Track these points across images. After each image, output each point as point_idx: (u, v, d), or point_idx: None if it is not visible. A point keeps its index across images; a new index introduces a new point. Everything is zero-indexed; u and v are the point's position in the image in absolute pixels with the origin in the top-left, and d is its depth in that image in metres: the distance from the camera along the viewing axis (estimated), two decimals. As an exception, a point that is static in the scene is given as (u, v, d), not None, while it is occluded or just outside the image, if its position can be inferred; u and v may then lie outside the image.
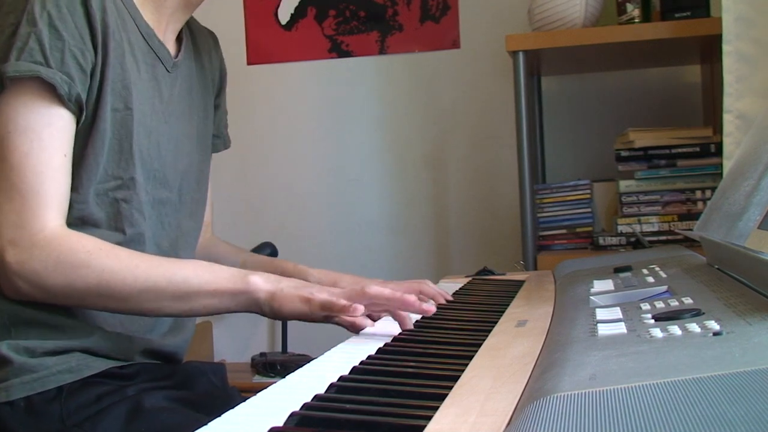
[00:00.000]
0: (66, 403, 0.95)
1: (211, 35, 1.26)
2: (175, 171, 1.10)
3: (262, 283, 0.95)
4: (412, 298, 0.93)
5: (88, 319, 1.00)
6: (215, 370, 1.15)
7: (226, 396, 1.10)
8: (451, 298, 1.15)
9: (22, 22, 0.91)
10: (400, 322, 0.94)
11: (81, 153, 0.97)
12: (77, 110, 0.94)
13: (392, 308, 0.94)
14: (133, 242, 1.02)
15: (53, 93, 0.91)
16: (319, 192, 2.62)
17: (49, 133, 0.92)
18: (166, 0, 1.07)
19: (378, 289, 0.93)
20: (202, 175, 1.20)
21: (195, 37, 1.19)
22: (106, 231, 0.99)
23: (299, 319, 0.96)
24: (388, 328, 0.96)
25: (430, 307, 0.94)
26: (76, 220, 0.97)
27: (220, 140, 1.29)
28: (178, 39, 1.14)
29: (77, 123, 0.95)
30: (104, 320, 1.01)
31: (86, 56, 0.94)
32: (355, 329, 0.95)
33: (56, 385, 0.95)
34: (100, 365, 0.99)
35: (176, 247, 1.13)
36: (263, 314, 0.96)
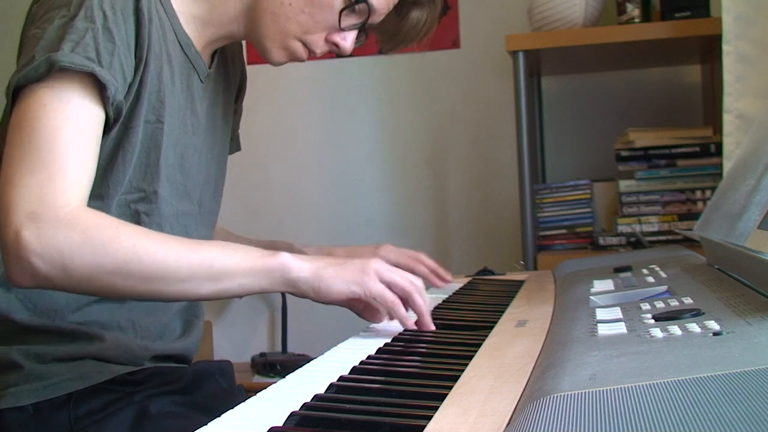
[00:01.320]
0: (74, 409, 0.94)
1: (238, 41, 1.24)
2: (195, 182, 1.09)
3: (296, 260, 0.90)
4: (432, 327, 0.94)
5: (99, 327, 0.98)
6: (222, 371, 1.14)
7: (233, 396, 1.10)
8: (447, 279, 1.21)
9: (79, 15, 0.88)
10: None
11: (110, 163, 0.94)
12: (115, 115, 0.92)
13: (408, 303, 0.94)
14: None
15: (99, 93, 0.88)
16: (319, 192, 2.62)
17: (85, 120, 0.87)
18: (213, 27, 1.05)
19: (421, 304, 0.93)
20: (219, 184, 1.18)
21: (226, 45, 1.17)
22: None
23: (339, 305, 0.94)
24: (388, 327, 0.96)
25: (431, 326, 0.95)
26: None
27: (233, 143, 1.28)
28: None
29: (109, 130, 0.93)
30: (117, 326, 1.00)
31: (129, 66, 0.92)
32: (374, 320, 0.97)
33: (65, 391, 0.94)
34: (111, 372, 0.97)
35: None
36: (301, 294, 0.91)
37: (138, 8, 0.92)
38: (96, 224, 0.84)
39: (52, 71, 0.84)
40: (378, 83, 2.56)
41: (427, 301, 0.94)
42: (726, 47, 1.66)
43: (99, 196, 0.95)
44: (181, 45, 1.02)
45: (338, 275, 0.90)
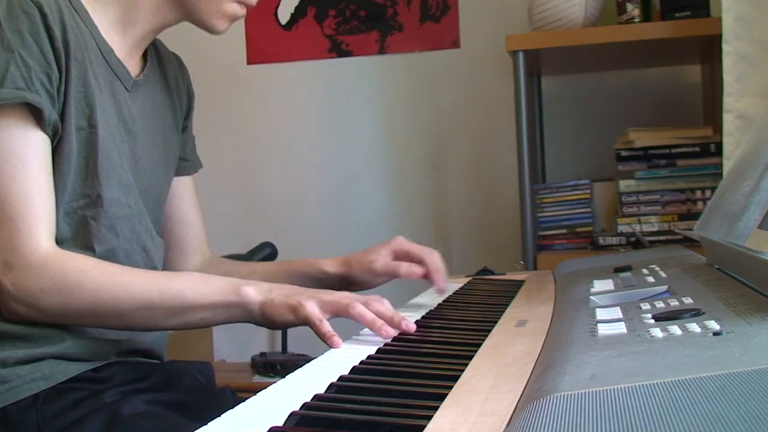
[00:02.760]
0: (42, 410, 0.93)
1: (176, 58, 1.26)
2: (134, 189, 1.08)
3: (254, 294, 0.95)
4: (390, 332, 0.90)
5: (59, 327, 0.98)
6: (201, 369, 1.13)
7: (213, 396, 1.08)
8: (443, 286, 1.15)
9: None
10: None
11: None
12: (53, 134, 0.95)
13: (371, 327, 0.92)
14: (105, 259, 1.00)
15: (34, 117, 0.92)
16: (319, 192, 2.62)
17: (32, 155, 0.92)
18: (136, 25, 1.07)
19: (361, 311, 0.91)
20: (163, 195, 1.18)
21: (161, 59, 1.19)
22: (76, 249, 0.98)
23: (292, 327, 0.97)
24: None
25: (411, 327, 0.92)
26: None
27: (189, 163, 1.27)
28: (144, 58, 1.13)
29: (51, 146, 0.96)
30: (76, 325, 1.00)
31: (52, 79, 0.94)
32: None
33: (31, 393, 0.93)
34: (75, 369, 0.97)
35: (148, 264, 1.12)
36: (258, 324, 0.97)
37: (45, 23, 0.93)
38: (63, 269, 0.92)
39: None
40: (378, 83, 2.56)
41: (377, 309, 0.92)
42: (726, 47, 1.66)
43: None
44: (102, 53, 1.03)
45: (281, 305, 0.94)
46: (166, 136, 1.18)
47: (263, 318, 0.95)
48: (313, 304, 0.93)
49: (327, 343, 0.89)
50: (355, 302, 0.92)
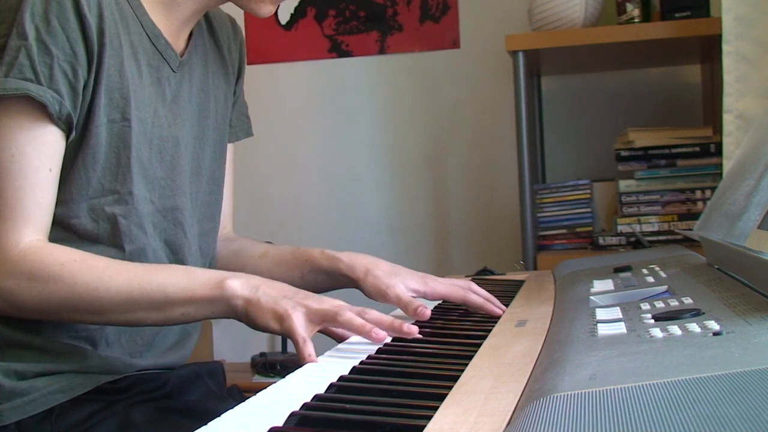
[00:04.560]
0: (57, 423, 0.92)
1: (232, 22, 1.21)
2: (182, 175, 1.05)
3: (239, 288, 0.88)
4: (382, 334, 0.85)
5: (84, 343, 0.96)
6: (212, 372, 1.11)
7: (224, 398, 1.07)
8: (503, 307, 1.03)
9: (12, 34, 0.86)
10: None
11: (70, 167, 0.93)
12: (67, 128, 0.91)
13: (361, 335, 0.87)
14: (134, 258, 0.97)
15: (43, 111, 0.88)
16: (319, 192, 2.62)
17: (32, 148, 0.88)
18: (180, 5, 1.03)
19: (349, 318, 0.86)
20: (215, 174, 1.15)
21: (213, 26, 1.15)
22: (105, 247, 0.96)
23: (272, 333, 0.90)
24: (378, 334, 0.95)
25: (383, 336, 0.85)
26: (72, 236, 0.94)
27: (231, 130, 1.23)
28: (189, 34, 1.09)
29: (67, 139, 0.92)
30: (102, 342, 0.98)
31: (77, 71, 0.89)
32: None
33: (48, 406, 0.91)
34: (93, 382, 0.95)
35: (202, 251, 1.10)
36: (237, 319, 0.90)
37: (78, 10, 0.88)
38: (42, 262, 0.88)
39: None
40: (378, 83, 2.57)
41: (372, 318, 0.87)
42: (726, 47, 1.66)
43: (62, 201, 0.93)
44: (149, 37, 0.99)
45: (266, 309, 0.87)
46: (218, 109, 1.14)
47: (246, 317, 0.88)
48: (300, 316, 0.85)
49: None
50: (345, 310, 0.86)
